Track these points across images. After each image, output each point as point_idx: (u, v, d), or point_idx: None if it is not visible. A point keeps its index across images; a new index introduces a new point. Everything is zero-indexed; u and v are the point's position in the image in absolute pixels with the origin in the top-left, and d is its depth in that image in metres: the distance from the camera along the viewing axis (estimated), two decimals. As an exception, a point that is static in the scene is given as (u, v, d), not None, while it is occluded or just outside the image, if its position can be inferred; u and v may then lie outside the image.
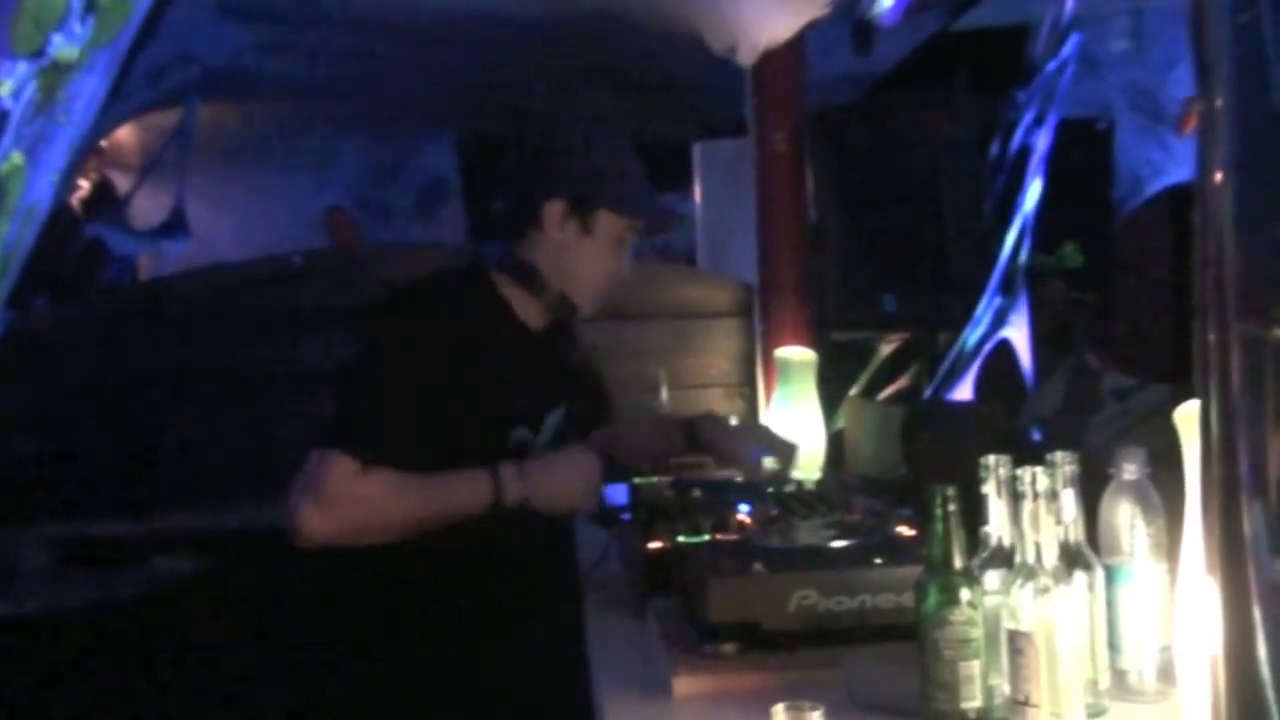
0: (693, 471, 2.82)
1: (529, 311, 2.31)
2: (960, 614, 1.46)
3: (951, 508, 1.47)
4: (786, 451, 2.59)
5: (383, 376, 2.12)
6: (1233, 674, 1.00)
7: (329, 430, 2.07)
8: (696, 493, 2.47)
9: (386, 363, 2.14)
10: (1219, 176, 1.00)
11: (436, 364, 2.12)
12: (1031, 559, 1.43)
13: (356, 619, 2.18)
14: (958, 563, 1.47)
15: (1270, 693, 0.95)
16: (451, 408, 2.11)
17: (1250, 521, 0.94)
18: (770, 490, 2.42)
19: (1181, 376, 1.18)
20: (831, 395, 3.71)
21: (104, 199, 5.61)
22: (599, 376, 2.67)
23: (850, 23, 3.60)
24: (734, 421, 3.07)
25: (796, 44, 3.78)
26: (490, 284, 2.30)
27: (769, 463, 2.59)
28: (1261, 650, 0.94)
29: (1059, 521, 1.48)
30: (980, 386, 3.63)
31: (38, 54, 1.86)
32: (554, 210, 2.25)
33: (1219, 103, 1.00)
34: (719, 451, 2.63)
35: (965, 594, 1.46)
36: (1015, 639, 1.43)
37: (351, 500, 2.03)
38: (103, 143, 5.33)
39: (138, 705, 3.30)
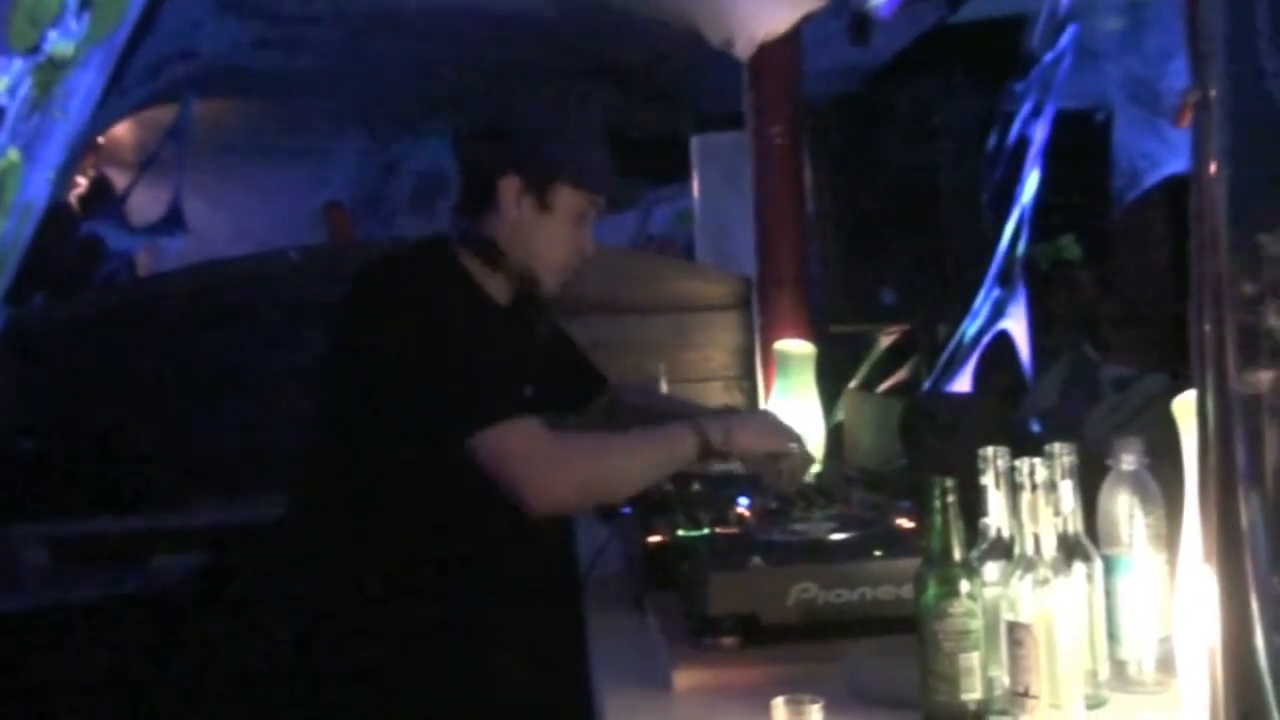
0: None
1: (493, 286, 2.26)
2: (959, 606, 1.46)
3: (950, 500, 1.47)
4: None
5: (448, 349, 2.09)
6: (1231, 664, 1.00)
7: (475, 408, 2.04)
8: (696, 486, 2.47)
9: (433, 340, 2.10)
10: (1214, 167, 1.00)
11: (450, 328, 2.13)
12: (1030, 550, 1.43)
13: (356, 615, 2.18)
14: (957, 555, 1.47)
15: (1268, 681, 0.95)
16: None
17: (1247, 511, 0.94)
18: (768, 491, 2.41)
19: (1180, 366, 1.18)
20: (830, 388, 3.71)
21: (101, 195, 5.61)
22: (576, 347, 2.64)
23: (847, 15, 3.59)
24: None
25: (794, 36, 3.78)
26: (453, 257, 2.26)
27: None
28: (1259, 640, 0.95)
29: (1058, 513, 1.48)
30: (979, 378, 3.63)
31: (34, 50, 1.86)
32: (509, 187, 2.19)
33: (1214, 93, 1.00)
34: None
35: (964, 586, 1.46)
36: (1014, 630, 1.43)
37: (565, 457, 2.08)
38: (100, 139, 5.33)
39: (139, 703, 3.30)
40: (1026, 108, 3.77)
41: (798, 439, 2.31)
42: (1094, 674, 1.54)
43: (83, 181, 5.46)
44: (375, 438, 2.13)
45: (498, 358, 2.12)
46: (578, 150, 2.25)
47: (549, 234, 2.23)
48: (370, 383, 2.13)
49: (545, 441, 2.06)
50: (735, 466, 2.52)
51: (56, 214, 4.69)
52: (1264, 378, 0.94)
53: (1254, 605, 0.95)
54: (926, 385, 3.70)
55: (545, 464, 2.04)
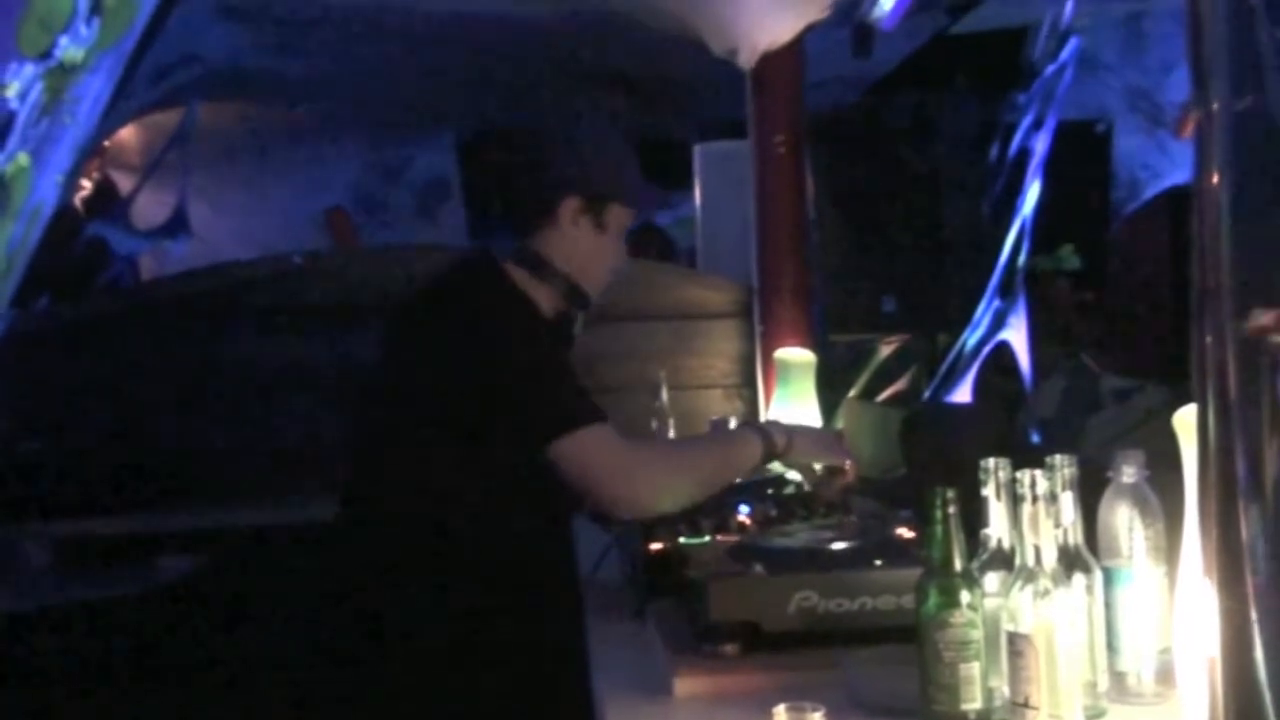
0: None
1: (540, 300, 2.31)
2: (960, 616, 1.46)
3: (951, 510, 1.48)
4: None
5: (529, 355, 2.16)
6: (1230, 676, 1.01)
7: (552, 420, 2.09)
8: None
9: (517, 342, 2.17)
10: (1215, 179, 1.00)
11: (520, 334, 2.20)
12: (1031, 561, 1.43)
13: (357, 619, 2.19)
14: (957, 565, 1.48)
15: (1267, 694, 0.95)
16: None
17: (1247, 524, 0.95)
18: (771, 492, 2.42)
19: (1180, 379, 1.19)
20: (831, 396, 3.72)
21: (106, 199, 5.62)
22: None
23: (850, 25, 3.61)
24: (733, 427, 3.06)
25: (796, 46, 3.79)
26: (502, 271, 2.30)
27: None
28: (1258, 652, 0.95)
29: (1058, 524, 1.48)
30: (979, 388, 3.64)
31: (45, 56, 1.88)
32: (570, 206, 2.27)
33: (1215, 107, 1.01)
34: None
35: (965, 596, 1.47)
36: (1015, 641, 1.43)
37: (647, 463, 2.17)
38: (105, 143, 5.34)
39: (139, 704, 3.30)
40: (1028, 119, 3.78)
41: (852, 458, 2.40)
42: (1093, 685, 1.54)
43: (87, 185, 5.47)
44: (403, 448, 2.16)
45: (567, 365, 2.19)
46: (627, 171, 2.34)
47: (601, 250, 2.32)
48: (433, 393, 2.17)
49: (622, 447, 2.13)
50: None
51: (61, 217, 4.69)
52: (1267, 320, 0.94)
53: (1253, 617, 0.96)
54: (926, 395, 3.71)
55: (626, 470, 2.12)
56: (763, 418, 3.81)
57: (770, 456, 2.26)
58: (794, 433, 2.33)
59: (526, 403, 2.12)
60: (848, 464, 2.39)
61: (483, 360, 2.13)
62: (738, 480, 2.35)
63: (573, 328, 2.39)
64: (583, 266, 2.30)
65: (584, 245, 2.29)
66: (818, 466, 2.41)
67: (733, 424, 3.11)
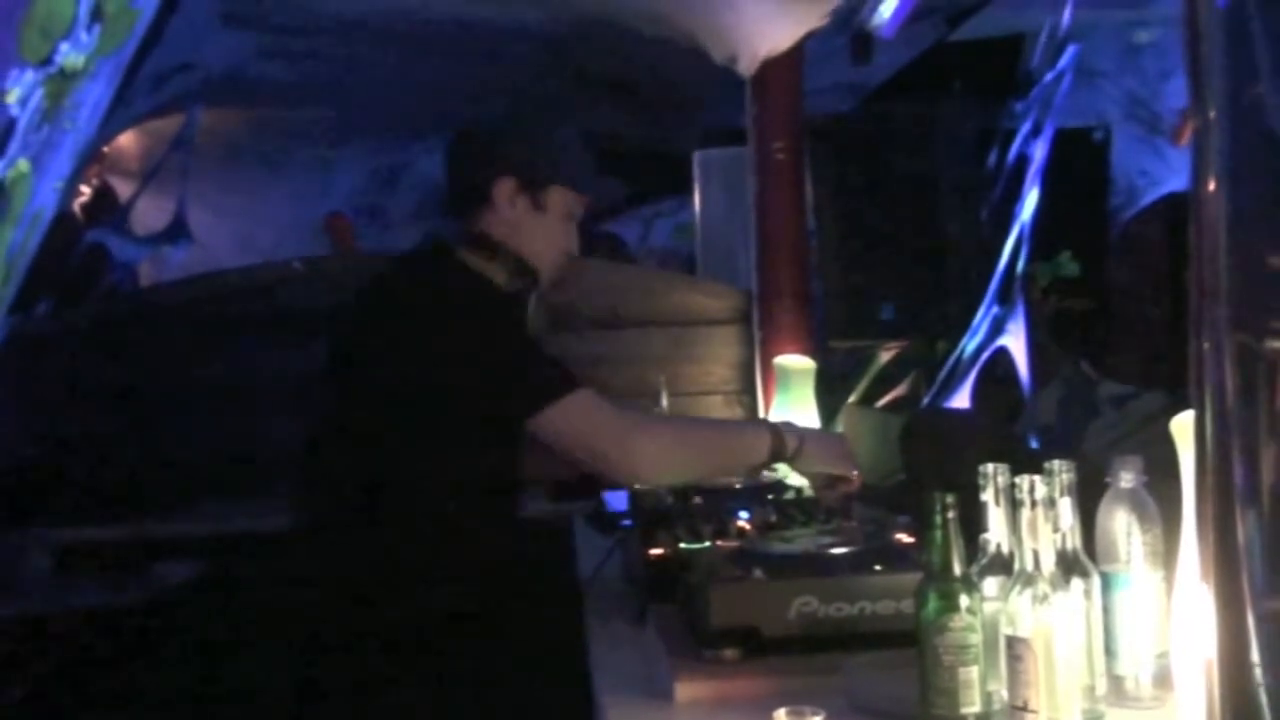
0: None
1: (494, 274, 2.34)
2: (959, 620, 1.47)
3: (950, 515, 1.49)
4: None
5: (492, 332, 2.19)
6: (1227, 680, 1.01)
7: (530, 394, 2.13)
8: (697, 499, 2.49)
9: (478, 322, 2.20)
10: (1212, 186, 1.01)
11: (482, 315, 2.23)
12: (1030, 566, 1.44)
13: (357, 625, 2.19)
14: (957, 570, 1.48)
15: (1264, 698, 0.96)
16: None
17: (1244, 529, 0.95)
18: (771, 497, 2.43)
19: (1177, 385, 1.19)
20: (830, 402, 3.72)
21: (106, 205, 5.61)
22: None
23: (849, 33, 3.62)
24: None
25: (796, 54, 3.80)
26: (455, 254, 2.34)
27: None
28: (1255, 656, 0.96)
29: (1056, 529, 1.49)
30: (978, 394, 3.64)
31: (45, 62, 1.88)
32: (504, 187, 2.30)
33: (1212, 114, 1.01)
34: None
35: (964, 600, 1.47)
36: (1014, 645, 1.44)
37: (632, 424, 2.21)
38: (105, 149, 5.34)
39: (139, 710, 3.30)
40: (1026, 126, 3.79)
41: (858, 468, 2.42)
42: (1091, 689, 1.55)
43: (87, 191, 5.47)
44: (385, 441, 2.17)
45: (533, 339, 2.23)
46: (568, 154, 2.37)
47: (542, 231, 2.34)
48: (397, 383, 2.18)
49: (610, 411, 2.17)
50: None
51: (60, 222, 4.70)
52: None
53: (1250, 622, 0.96)
54: (925, 401, 3.72)
55: (617, 432, 2.16)
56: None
57: (778, 456, 2.28)
58: (806, 437, 2.35)
59: (500, 381, 2.15)
60: (854, 473, 2.41)
61: (447, 345, 2.16)
62: (741, 473, 2.36)
63: (526, 306, 2.42)
64: (526, 244, 2.33)
65: (525, 225, 2.32)
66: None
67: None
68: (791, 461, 2.32)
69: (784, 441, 2.28)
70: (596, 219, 5.50)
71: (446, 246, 2.35)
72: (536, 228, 2.33)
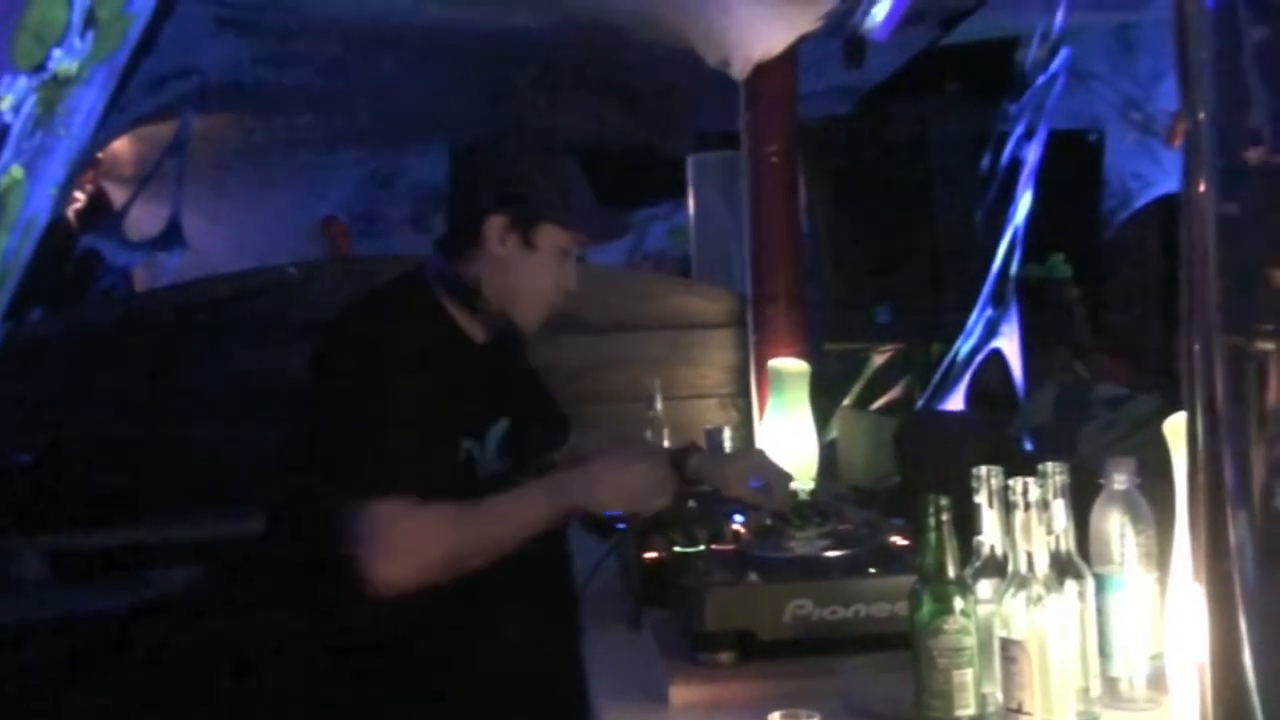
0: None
1: (470, 324, 2.31)
2: (954, 623, 1.47)
3: (944, 517, 1.49)
4: (779, 481, 2.47)
5: (379, 407, 2.11)
6: (1220, 681, 1.01)
7: (357, 477, 2.06)
8: (691, 503, 2.48)
9: (372, 392, 2.13)
10: (1203, 188, 1.01)
11: (400, 382, 2.13)
12: (1024, 568, 1.44)
13: (353, 629, 2.19)
14: (951, 572, 1.49)
15: (1257, 699, 0.96)
16: (422, 428, 2.12)
17: (1236, 530, 0.95)
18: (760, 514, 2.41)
19: (1171, 386, 1.20)
20: (824, 405, 3.73)
21: (100, 210, 5.61)
22: (545, 389, 2.68)
23: (842, 36, 3.62)
24: (728, 436, 3.05)
25: (789, 57, 3.81)
26: (432, 296, 2.30)
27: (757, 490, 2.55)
28: (1248, 657, 0.96)
29: (1050, 531, 1.49)
30: (972, 397, 3.65)
31: (38, 68, 1.88)
32: (494, 225, 2.24)
33: (1202, 116, 1.02)
34: (711, 484, 2.59)
35: (958, 603, 1.48)
36: (1008, 647, 1.44)
37: (416, 543, 2.06)
38: (99, 155, 5.34)
39: (138, 716, 3.30)
40: (1019, 128, 3.80)
41: (665, 493, 2.25)
42: (1086, 691, 1.55)
43: (81, 196, 5.47)
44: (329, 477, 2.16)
45: (418, 418, 2.11)
46: (561, 190, 2.29)
47: (533, 271, 2.28)
48: (326, 424, 2.18)
49: (399, 527, 2.04)
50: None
51: (54, 228, 4.70)
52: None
53: (1243, 623, 0.96)
54: (920, 403, 3.73)
55: (390, 549, 2.03)
56: (756, 427, 3.82)
57: (565, 515, 2.18)
58: (595, 479, 2.20)
59: (348, 456, 2.09)
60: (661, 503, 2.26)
61: (343, 397, 2.14)
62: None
63: (514, 350, 2.40)
64: (514, 288, 2.28)
65: (514, 266, 2.26)
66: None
67: (726, 435, 3.11)
68: (587, 510, 2.21)
69: (563, 498, 2.16)
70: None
71: (423, 283, 2.31)
72: (527, 267, 2.27)
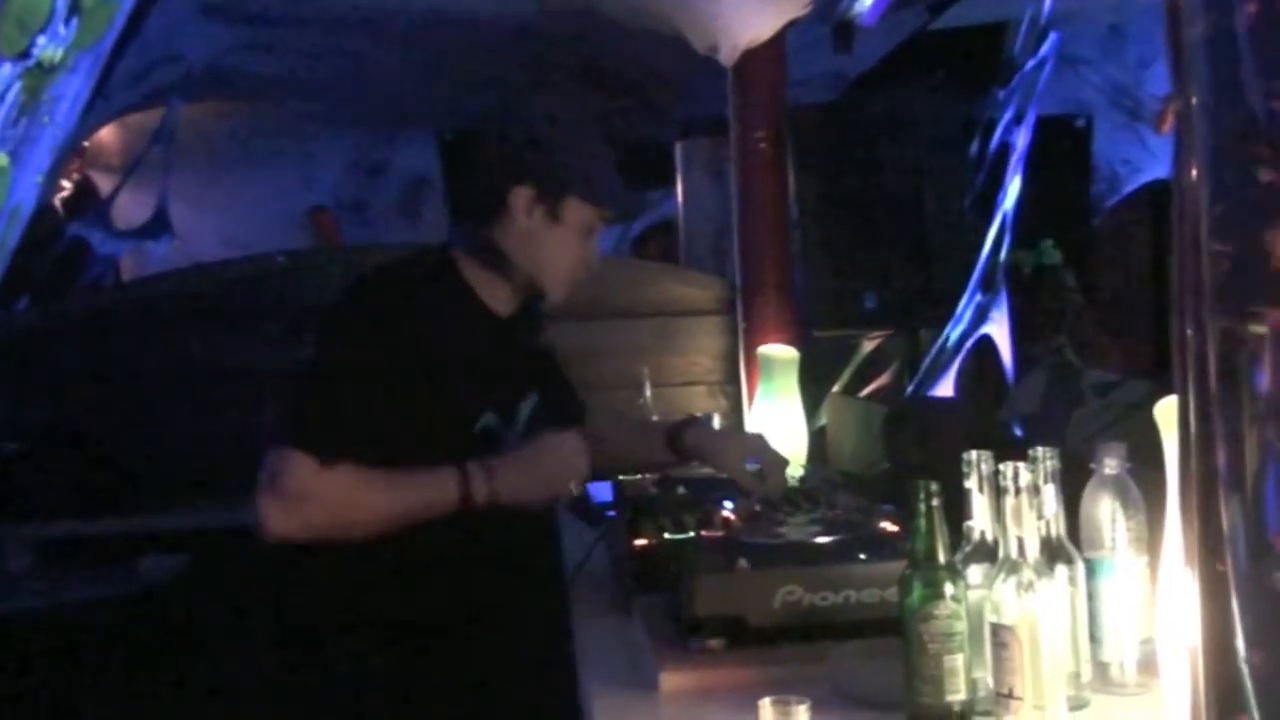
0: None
1: (496, 297, 2.30)
2: (944, 608, 1.47)
3: (934, 503, 1.49)
4: (776, 465, 2.47)
5: (338, 374, 2.11)
6: (1211, 665, 1.01)
7: (286, 427, 2.07)
8: (681, 490, 2.49)
9: (342, 359, 2.13)
10: (1194, 173, 1.01)
11: (395, 356, 2.11)
12: (1014, 553, 1.44)
13: (345, 618, 2.18)
14: (941, 558, 1.49)
15: (1248, 683, 0.96)
16: (417, 398, 2.11)
17: (1227, 514, 0.95)
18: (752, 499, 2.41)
19: (1161, 371, 1.20)
20: (814, 392, 3.73)
21: (86, 199, 5.60)
22: (564, 369, 2.66)
23: (830, 22, 3.62)
24: (717, 424, 3.06)
25: (777, 43, 3.80)
26: (454, 269, 2.29)
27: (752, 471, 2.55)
28: (1239, 641, 0.96)
29: (1040, 516, 1.49)
30: (962, 383, 3.65)
31: (22, 55, 1.86)
32: (521, 196, 2.24)
33: (1194, 101, 1.01)
34: (704, 459, 2.59)
35: (949, 588, 1.48)
36: (998, 632, 1.44)
37: (312, 498, 2.04)
38: (85, 143, 5.32)
39: (127, 705, 3.30)
40: (1008, 114, 3.79)
41: (575, 482, 2.23)
42: (1076, 676, 1.55)
43: (67, 185, 5.45)
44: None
45: (390, 389, 2.09)
46: (589, 165, 2.29)
47: (557, 244, 2.28)
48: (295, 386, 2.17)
49: (297, 478, 2.03)
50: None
51: (41, 217, 4.68)
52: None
53: (1234, 607, 0.96)
54: (909, 390, 3.73)
55: (284, 497, 2.03)
56: (746, 414, 3.82)
57: (466, 502, 2.12)
58: (509, 479, 2.15)
59: (296, 407, 2.11)
60: (573, 488, 2.26)
61: (310, 369, 2.15)
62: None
63: (536, 326, 2.38)
64: (539, 259, 2.27)
65: (540, 238, 2.26)
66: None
67: (716, 422, 3.10)
68: (492, 499, 2.14)
69: (471, 485, 2.11)
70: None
71: (444, 256, 2.30)
72: (552, 240, 2.26)
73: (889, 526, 2.09)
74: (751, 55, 3.81)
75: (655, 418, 3.41)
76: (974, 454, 1.53)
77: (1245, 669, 0.95)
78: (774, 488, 2.38)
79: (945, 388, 3.63)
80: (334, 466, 2.04)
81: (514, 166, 2.25)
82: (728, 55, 3.84)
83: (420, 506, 2.11)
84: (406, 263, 2.34)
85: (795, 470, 2.86)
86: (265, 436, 2.08)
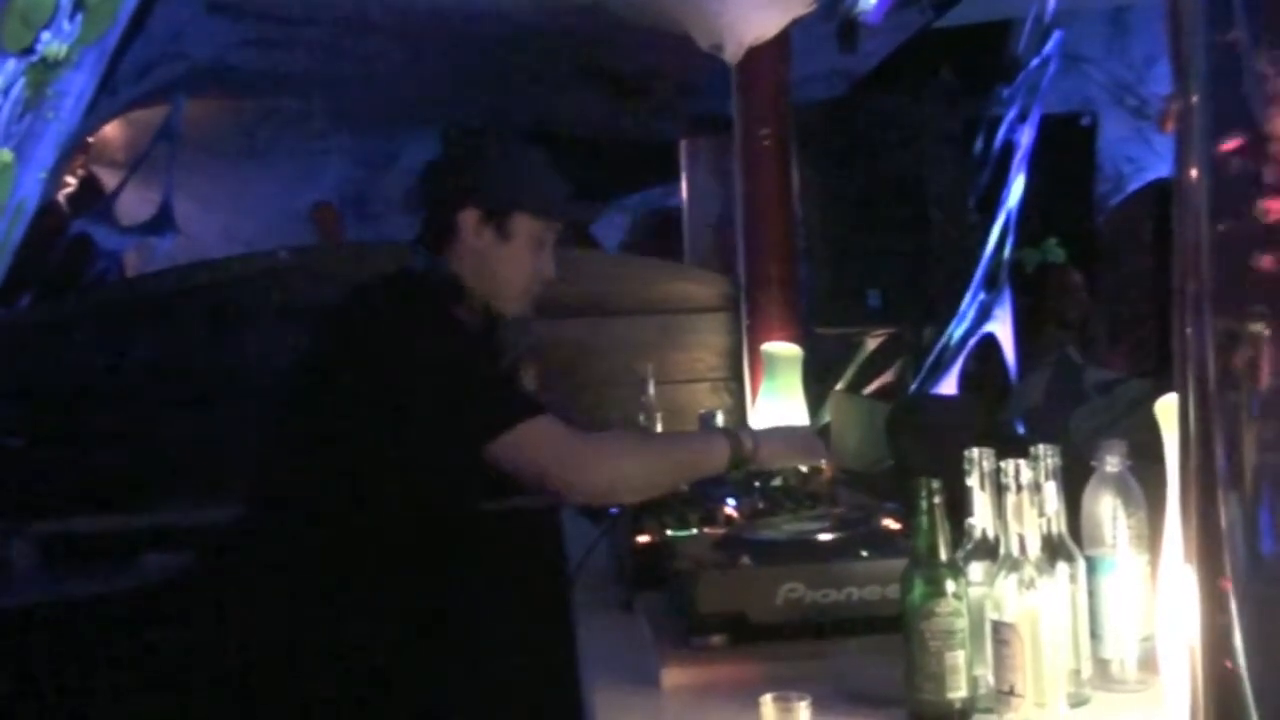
0: None
1: (461, 314, 2.31)
2: (945, 605, 1.47)
3: (936, 500, 1.49)
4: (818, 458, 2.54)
5: (467, 358, 2.17)
6: (1211, 662, 1.02)
7: (485, 423, 2.09)
8: (684, 487, 2.49)
9: (454, 351, 2.17)
10: (1195, 173, 1.01)
11: (468, 344, 2.21)
12: (1015, 551, 1.45)
13: (348, 615, 2.19)
14: (943, 555, 1.49)
15: (1247, 680, 0.96)
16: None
17: (1227, 512, 0.95)
18: (758, 484, 2.43)
19: (1162, 369, 1.20)
20: (817, 389, 3.73)
21: (91, 195, 5.60)
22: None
23: (835, 20, 3.62)
24: (720, 422, 3.07)
25: (782, 41, 3.80)
26: (426, 286, 2.29)
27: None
28: (1238, 638, 0.96)
29: (1042, 514, 1.49)
30: (964, 380, 3.65)
31: (27, 51, 1.87)
32: (468, 219, 2.26)
33: (1195, 100, 1.02)
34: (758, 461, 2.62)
35: (950, 586, 1.48)
36: (999, 630, 1.44)
37: (607, 452, 2.17)
38: (89, 139, 5.32)
39: (130, 701, 3.30)
40: (1012, 112, 3.80)
41: (824, 454, 2.41)
42: (1077, 673, 1.56)
43: (72, 181, 5.46)
44: (363, 446, 2.14)
45: (488, 368, 2.18)
46: (531, 180, 2.31)
47: (509, 261, 2.29)
48: (367, 397, 2.15)
49: (567, 434, 2.12)
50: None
51: (45, 213, 4.69)
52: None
53: (1233, 604, 0.97)
54: (913, 387, 3.73)
55: (576, 455, 2.12)
56: (749, 411, 3.82)
57: (738, 461, 2.24)
58: (765, 438, 2.32)
59: (452, 414, 2.11)
60: (824, 462, 2.42)
61: (406, 374, 2.13)
62: (702, 479, 2.34)
63: (497, 338, 2.38)
64: (493, 278, 2.29)
65: (491, 256, 2.28)
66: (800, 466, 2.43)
67: (719, 419, 3.11)
68: (753, 463, 2.29)
69: (742, 445, 2.25)
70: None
71: (413, 283, 2.31)
72: (504, 257, 2.28)
73: (891, 524, 2.09)
74: (756, 53, 3.81)
75: (659, 415, 3.42)
76: (976, 451, 1.53)
77: (1244, 666, 0.96)
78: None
79: (948, 385, 3.63)
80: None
81: (458, 190, 2.28)
82: (732, 53, 3.84)
83: (700, 466, 2.25)
84: (386, 282, 2.34)
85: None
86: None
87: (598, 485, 2.15)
